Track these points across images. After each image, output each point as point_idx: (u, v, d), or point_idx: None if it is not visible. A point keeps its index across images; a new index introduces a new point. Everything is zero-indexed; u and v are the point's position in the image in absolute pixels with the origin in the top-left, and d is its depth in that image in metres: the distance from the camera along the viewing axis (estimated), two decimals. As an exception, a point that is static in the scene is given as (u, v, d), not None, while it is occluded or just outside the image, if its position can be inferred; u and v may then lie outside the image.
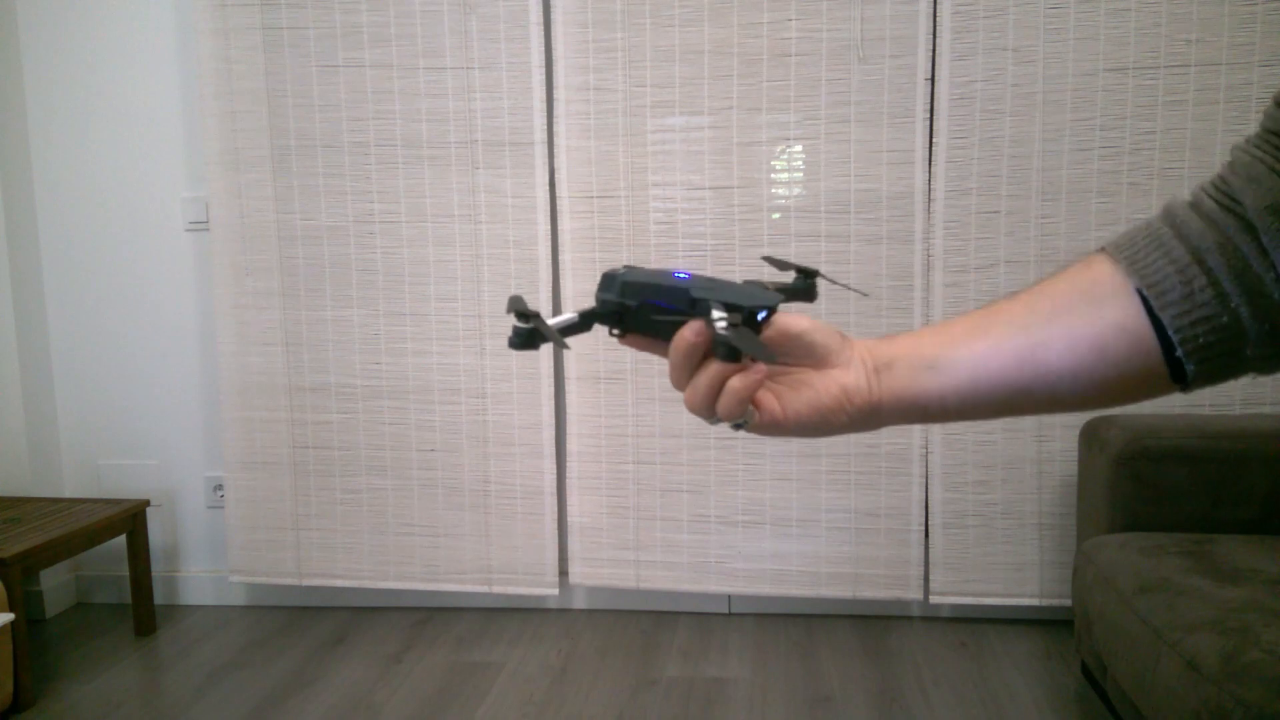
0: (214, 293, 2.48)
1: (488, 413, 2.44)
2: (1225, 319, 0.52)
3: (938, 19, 2.21)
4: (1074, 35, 2.19)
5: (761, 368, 0.56)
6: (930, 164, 2.26)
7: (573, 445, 2.44)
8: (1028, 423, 2.30)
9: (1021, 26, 2.19)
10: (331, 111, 2.38)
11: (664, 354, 0.58)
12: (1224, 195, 0.53)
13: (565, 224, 2.36)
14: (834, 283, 0.73)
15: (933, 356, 0.57)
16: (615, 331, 0.59)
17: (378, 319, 2.44)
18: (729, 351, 0.53)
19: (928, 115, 2.24)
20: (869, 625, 2.42)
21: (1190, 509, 1.87)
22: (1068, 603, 2.30)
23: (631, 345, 0.60)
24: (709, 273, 0.58)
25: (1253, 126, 0.58)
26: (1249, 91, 2.16)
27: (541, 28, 2.31)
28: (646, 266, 0.60)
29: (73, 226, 2.59)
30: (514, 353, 2.42)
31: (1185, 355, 0.52)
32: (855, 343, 0.60)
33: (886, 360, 0.58)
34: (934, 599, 2.38)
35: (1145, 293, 0.53)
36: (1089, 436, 2.03)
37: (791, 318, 0.59)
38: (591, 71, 2.31)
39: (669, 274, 0.57)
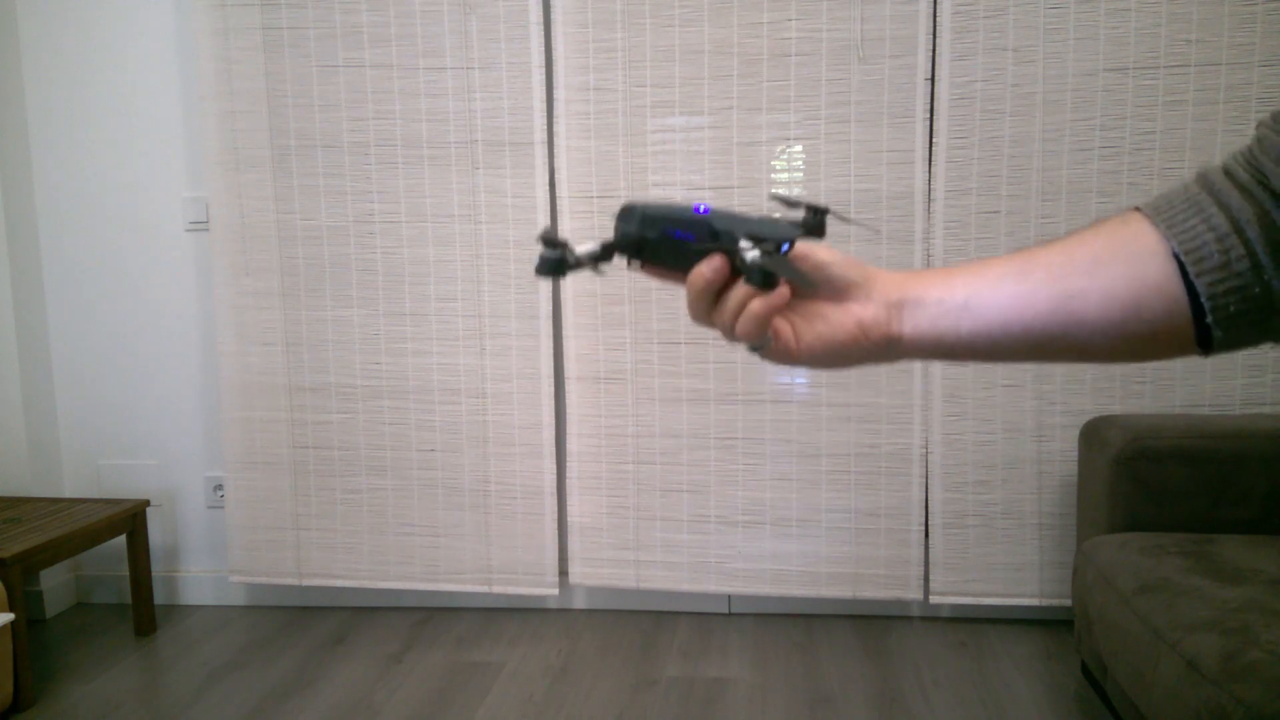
0: (214, 293, 2.48)
1: (488, 413, 2.44)
2: (1258, 290, 0.52)
3: (938, 19, 2.21)
4: (1074, 35, 2.19)
5: (784, 291, 0.57)
6: (930, 164, 2.26)
7: (573, 445, 2.44)
8: (1028, 423, 2.30)
9: (1021, 26, 2.19)
10: (331, 111, 2.38)
11: (681, 282, 0.59)
12: (1257, 171, 0.54)
13: (565, 224, 2.36)
14: (844, 219, 0.71)
15: (965, 297, 0.57)
16: (634, 261, 0.59)
17: (378, 319, 2.44)
18: (765, 277, 0.53)
19: (928, 115, 2.24)
20: (869, 625, 2.42)
21: (1190, 509, 1.87)
22: (1068, 603, 2.30)
23: (649, 274, 0.61)
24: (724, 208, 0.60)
25: (1253, 126, 0.57)
26: (1249, 91, 2.16)
27: (541, 28, 2.31)
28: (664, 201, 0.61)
29: (73, 226, 2.59)
30: (514, 353, 2.42)
31: (1215, 322, 0.53)
32: (878, 274, 0.59)
33: (915, 296, 0.58)
34: (934, 599, 2.38)
35: (1183, 257, 0.53)
36: (1089, 436, 2.03)
37: (814, 248, 0.59)
38: (591, 71, 2.31)
39: (688, 207, 0.57)
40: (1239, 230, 0.52)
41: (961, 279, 0.58)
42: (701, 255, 0.56)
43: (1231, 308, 0.53)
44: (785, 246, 0.56)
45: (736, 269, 0.57)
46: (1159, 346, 0.55)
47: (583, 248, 0.58)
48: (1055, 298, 0.55)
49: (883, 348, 0.59)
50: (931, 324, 0.58)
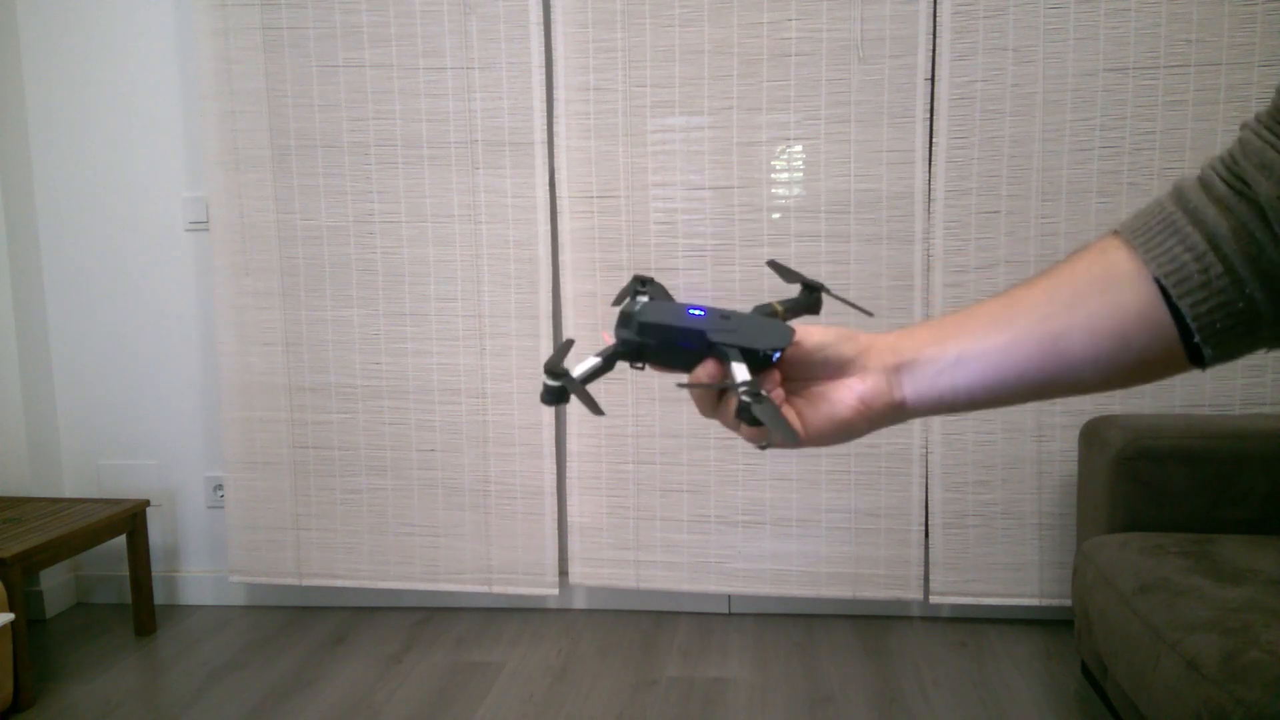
0: (214, 293, 2.48)
1: (488, 413, 2.44)
2: (1241, 304, 0.52)
3: (938, 19, 2.21)
4: (1074, 35, 2.19)
5: (779, 393, 0.58)
6: (930, 164, 2.26)
7: (573, 445, 2.44)
8: (1028, 423, 2.30)
9: (1021, 26, 2.19)
10: (331, 111, 2.38)
11: (685, 373, 0.61)
12: (1235, 179, 0.53)
13: (565, 224, 2.36)
14: (839, 299, 0.72)
15: (956, 353, 0.58)
16: (638, 365, 0.62)
17: (378, 319, 2.44)
18: (751, 420, 0.55)
19: (928, 115, 2.24)
20: (869, 625, 2.42)
21: (1190, 509, 1.87)
22: (1068, 603, 2.30)
23: (654, 370, 0.63)
24: (716, 303, 0.62)
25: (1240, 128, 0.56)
26: (1249, 91, 2.16)
27: (541, 28, 2.31)
28: (661, 298, 0.63)
29: (73, 226, 2.59)
30: (514, 353, 2.42)
31: (1203, 340, 0.53)
32: (872, 342, 0.60)
33: (910, 358, 0.59)
34: (934, 599, 2.38)
35: (1164, 281, 0.53)
36: (1089, 436, 2.03)
37: (809, 332, 0.60)
38: (591, 71, 2.31)
39: (683, 311, 0.60)
40: (1216, 247, 0.52)
41: (951, 334, 0.59)
42: (699, 359, 0.59)
43: (1218, 325, 0.53)
44: (777, 355, 0.58)
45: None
46: (1152, 370, 0.56)
47: (585, 364, 0.60)
48: (1042, 340, 0.56)
49: (888, 414, 0.59)
50: (930, 384, 0.58)
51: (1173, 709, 1.38)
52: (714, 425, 2.38)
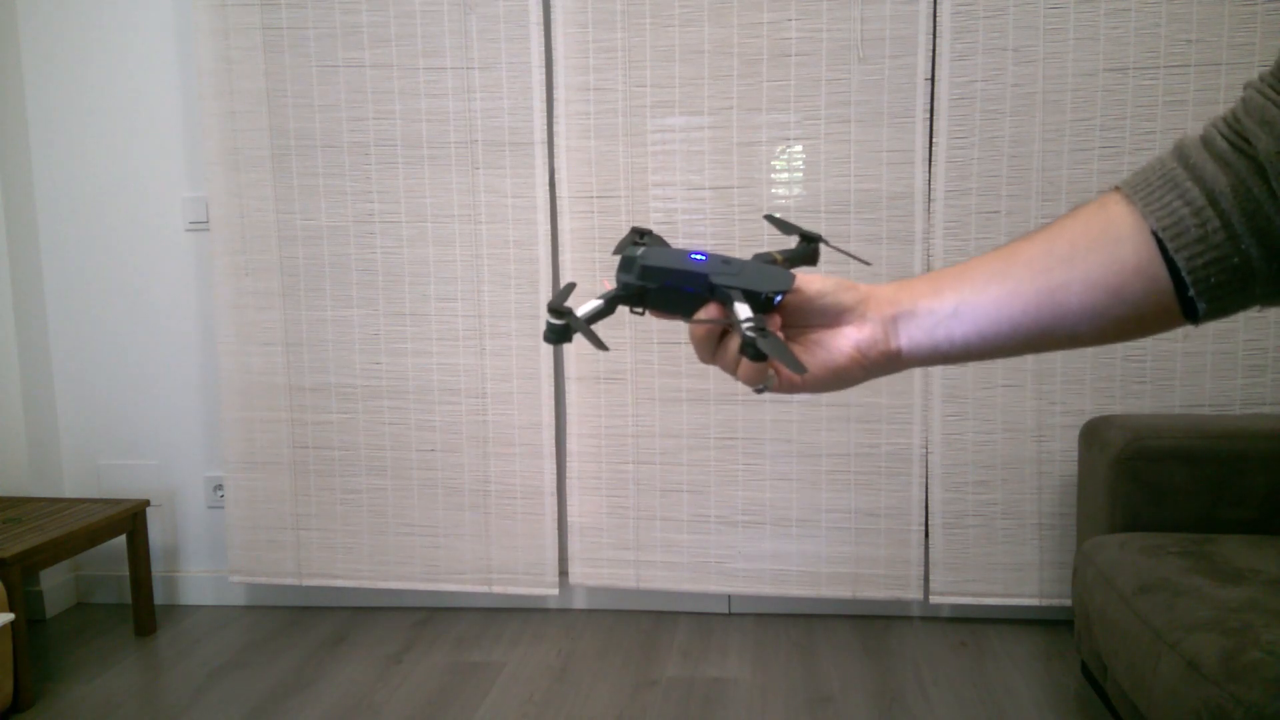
0: (214, 293, 2.48)
1: (488, 413, 2.44)
2: (1236, 260, 0.53)
3: (938, 19, 2.21)
4: (1074, 35, 2.19)
5: (779, 337, 0.58)
6: (930, 164, 2.26)
7: (573, 445, 2.44)
8: (1028, 422, 2.30)
9: (1021, 26, 2.19)
10: (331, 111, 2.38)
11: (685, 321, 0.61)
12: (1236, 135, 0.54)
13: (565, 224, 2.36)
14: (837, 249, 0.75)
15: (954, 304, 0.59)
16: (638, 310, 0.62)
17: (378, 319, 2.44)
18: (756, 354, 0.55)
19: (928, 115, 2.24)
20: (869, 625, 2.42)
21: (1190, 509, 1.87)
22: (1068, 603, 2.30)
23: (655, 316, 0.63)
24: (719, 252, 0.63)
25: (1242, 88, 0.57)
26: (1249, 91, 2.16)
27: (541, 28, 2.31)
28: (660, 246, 0.63)
29: (73, 226, 2.59)
30: (514, 352, 2.42)
31: (1197, 295, 0.54)
32: (870, 292, 0.61)
33: (907, 309, 0.60)
34: (934, 599, 2.38)
35: (1161, 235, 0.54)
36: (1089, 436, 2.03)
37: (808, 279, 0.61)
38: (591, 71, 2.31)
39: (685, 255, 0.60)
40: (1214, 202, 0.53)
41: (950, 285, 0.59)
42: (700, 303, 0.59)
43: (1212, 279, 0.53)
44: (778, 298, 0.59)
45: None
46: (1147, 324, 0.56)
47: (587, 306, 0.60)
48: (1039, 293, 0.56)
49: (883, 364, 0.61)
50: (926, 335, 0.59)
51: (1173, 709, 1.38)
52: (714, 425, 2.38)
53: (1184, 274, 0.53)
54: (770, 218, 0.72)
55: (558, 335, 0.59)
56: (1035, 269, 0.57)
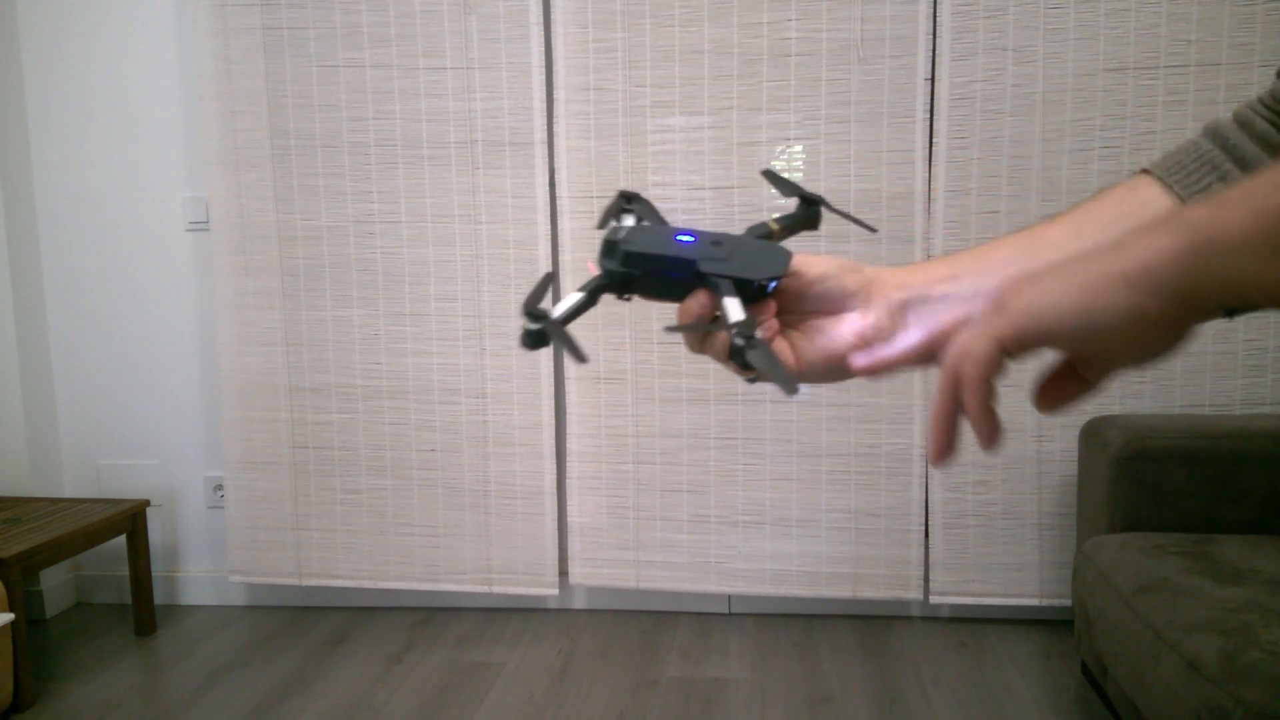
0: (214, 293, 2.48)
1: (488, 413, 2.44)
2: None
3: (938, 19, 2.21)
4: (1074, 35, 2.19)
5: (773, 324, 0.54)
6: (930, 164, 2.26)
7: (573, 445, 2.44)
8: (1028, 422, 2.30)
9: (1021, 26, 2.19)
10: (331, 111, 2.38)
11: (676, 302, 0.57)
12: (1277, 116, 0.51)
13: (565, 224, 2.36)
14: (840, 214, 0.65)
15: (973, 289, 0.53)
16: (625, 297, 0.58)
17: (378, 319, 2.44)
18: (743, 365, 0.51)
19: (928, 115, 2.24)
20: (869, 625, 2.42)
21: (1190, 509, 1.87)
22: (1068, 603, 2.30)
23: (643, 299, 0.60)
24: (710, 230, 0.58)
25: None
26: (1249, 92, 2.16)
27: (541, 28, 2.30)
28: (647, 223, 0.58)
29: (73, 226, 2.59)
30: (514, 352, 2.42)
31: None
32: (878, 275, 0.55)
33: (919, 294, 0.54)
34: (934, 599, 2.38)
35: None
36: (1089, 436, 2.03)
37: (809, 262, 0.55)
38: (591, 71, 2.31)
39: (672, 237, 0.55)
40: None
41: (968, 268, 0.54)
42: (689, 289, 0.55)
43: None
44: (772, 285, 0.54)
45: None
46: None
47: (568, 301, 0.56)
48: None
49: None
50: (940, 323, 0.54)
51: (1173, 709, 1.38)
52: (714, 425, 2.38)
53: None
54: (769, 174, 0.66)
55: (534, 340, 0.54)
56: (1065, 250, 0.50)
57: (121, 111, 2.54)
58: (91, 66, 2.53)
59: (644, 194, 2.34)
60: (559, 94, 2.32)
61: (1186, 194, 0.49)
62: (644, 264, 0.55)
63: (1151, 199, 0.51)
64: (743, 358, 0.50)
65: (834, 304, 0.55)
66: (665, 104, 2.30)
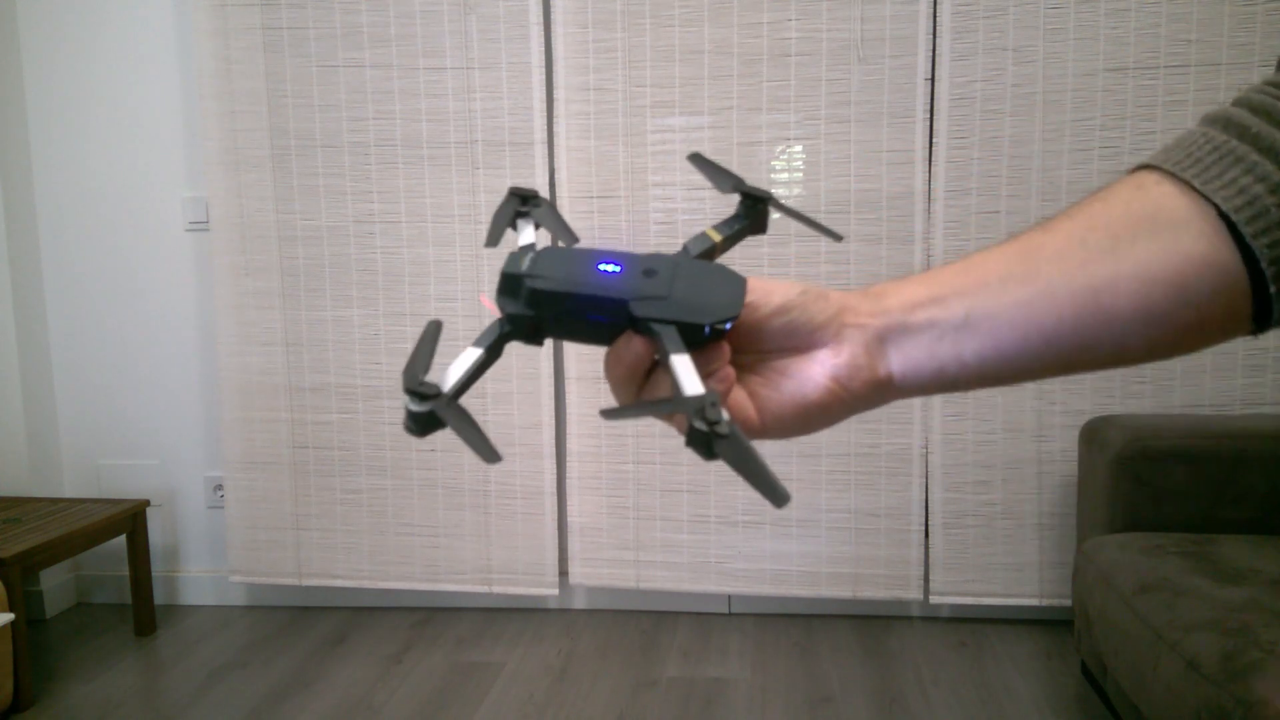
0: (214, 293, 2.48)
1: (488, 413, 2.44)
2: None
3: (938, 19, 2.21)
4: (1074, 35, 2.19)
5: (728, 373, 0.44)
6: (930, 164, 2.26)
7: (573, 445, 2.44)
8: (1028, 422, 2.30)
9: (1021, 26, 2.19)
10: (331, 111, 2.38)
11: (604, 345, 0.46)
12: None
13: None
14: (795, 216, 0.53)
15: (964, 312, 0.45)
16: (536, 343, 0.46)
17: (378, 319, 2.44)
18: (708, 455, 0.39)
19: (928, 115, 2.24)
20: (869, 625, 2.42)
21: (1190, 509, 1.87)
22: (1068, 603, 2.30)
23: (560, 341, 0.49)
24: (641, 251, 0.46)
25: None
26: (1249, 91, 2.16)
27: (541, 28, 2.31)
28: (555, 245, 0.46)
29: (73, 226, 2.59)
30: (514, 352, 2.42)
31: (1278, 290, 0.43)
32: (848, 302, 0.46)
33: (899, 321, 0.45)
34: (934, 599, 2.38)
35: (1234, 216, 0.43)
36: (1089, 436, 2.03)
37: (770, 291, 0.45)
38: (591, 71, 2.31)
39: (592, 265, 0.43)
40: None
41: (954, 288, 0.45)
42: (618, 331, 0.43)
43: None
44: (728, 325, 0.43)
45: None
46: (1209, 330, 0.44)
47: (462, 362, 0.44)
48: (1078, 294, 0.44)
49: (869, 395, 0.46)
50: (928, 354, 0.45)
51: (1173, 709, 1.38)
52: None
53: (1264, 264, 0.42)
54: (697, 158, 0.54)
55: (422, 425, 0.41)
56: (1070, 264, 0.45)
57: (121, 111, 2.54)
58: (91, 66, 2.53)
59: (644, 194, 2.34)
60: (559, 94, 2.32)
61: (1211, 190, 0.43)
62: (558, 305, 0.43)
63: (1166, 198, 0.45)
64: (708, 449, 0.39)
65: (800, 340, 0.45)
66: (665, 104, 2.30)
